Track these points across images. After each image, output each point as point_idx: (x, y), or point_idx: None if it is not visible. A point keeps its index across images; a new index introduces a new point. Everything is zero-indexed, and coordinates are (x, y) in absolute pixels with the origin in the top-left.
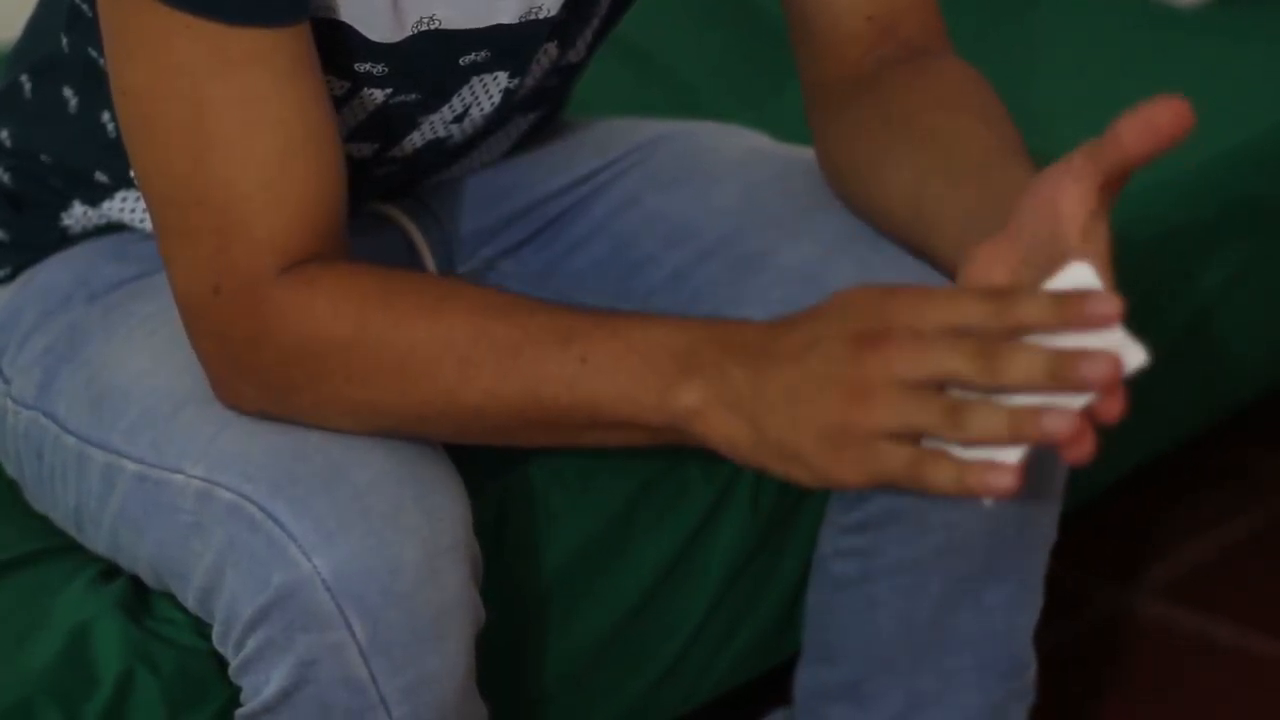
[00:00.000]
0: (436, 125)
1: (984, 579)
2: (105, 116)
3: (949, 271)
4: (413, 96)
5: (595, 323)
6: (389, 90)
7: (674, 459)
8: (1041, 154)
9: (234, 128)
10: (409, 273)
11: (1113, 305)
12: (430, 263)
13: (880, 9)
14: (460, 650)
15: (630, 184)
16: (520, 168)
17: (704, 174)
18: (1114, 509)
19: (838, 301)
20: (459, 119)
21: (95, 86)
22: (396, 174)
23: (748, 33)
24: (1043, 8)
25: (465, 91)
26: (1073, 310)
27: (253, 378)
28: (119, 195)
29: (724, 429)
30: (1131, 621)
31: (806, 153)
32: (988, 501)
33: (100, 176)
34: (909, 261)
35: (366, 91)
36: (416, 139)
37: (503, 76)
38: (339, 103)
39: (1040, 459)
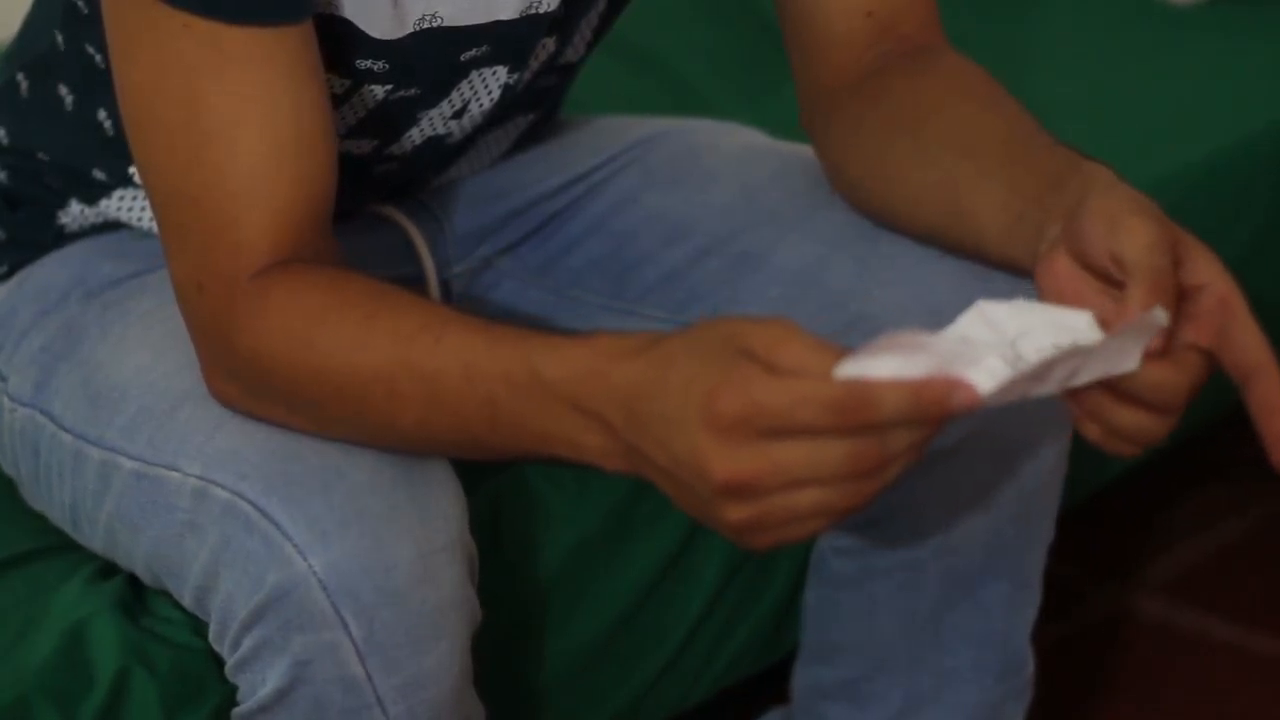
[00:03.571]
0: (436, 121)
1: (982, 577)
2: (102, 115)
3: (998, 264)
4: (412, 92)
5: (491, 358)
6: (389, 86)
7: None
8: None
9: (227, 128)
10: (352, 283)
11: (970, 395)
12: (428, 261)
13: (879, 5)
14: (456, 649)
15: (627, 182)
16: (518, 167)
17: (701, 172)
18: (1112, 507)
19: (688, 375)
20: (458, 115)
21: (92, 85)
22: (395, 172)
23: (746, 30)
24: (1041, 6)
25: (464, 86)
26: (932, 402)
27: (235, 380)
28: (116, 194)
29: (646, 479)
30: (1129, 620)
31: (804, 150)
32: None
33: (98, 174)
34: (907, 260)
35: (367, 88)
36: (415, 136)
37: (502, 71)
38: (339, 100)
39: (1040, 457)
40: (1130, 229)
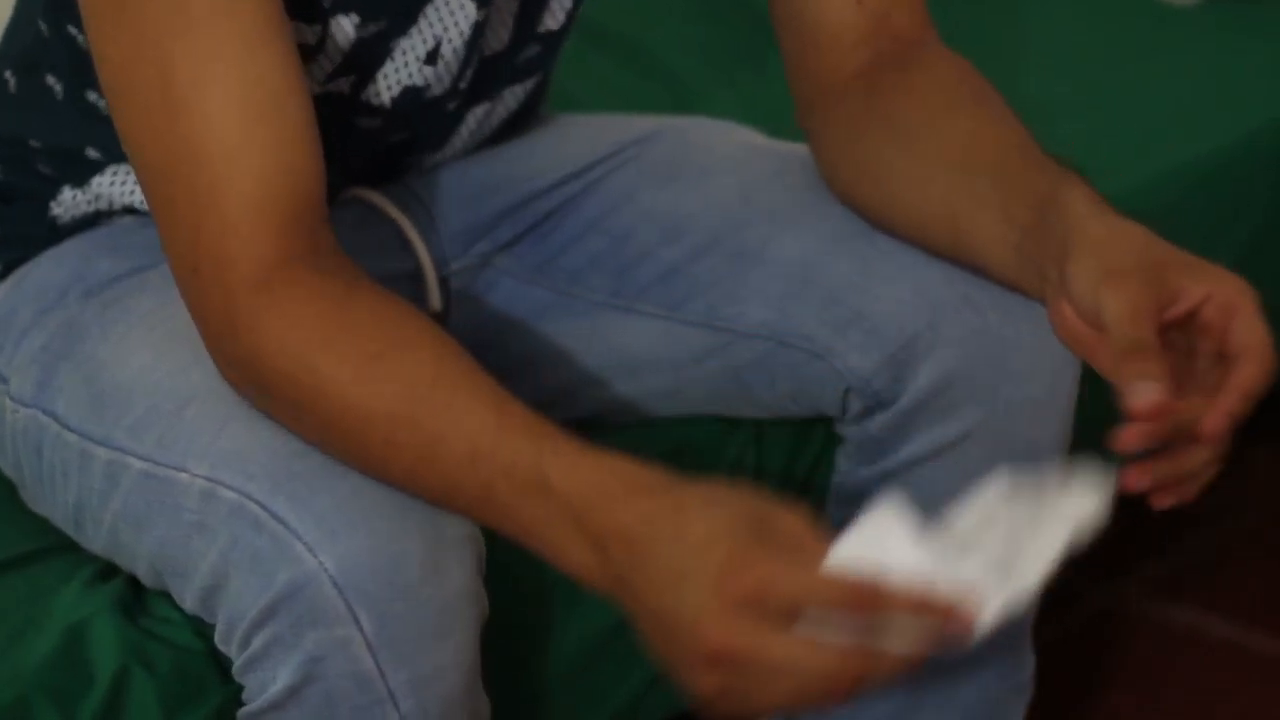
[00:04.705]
0: (410, 62)
1: None
2: (93, 96)
3: (998, 280)
4: (382, 24)
5: (498, 443)
6: (357, 20)
7: (673, 455)
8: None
9: (197, 90)
10: (360, 305)
11: (969, 624)
12: (426, 259)
13: None
14: (466, 642)
15: (624, 180)
16: (511, 163)
17: (698, 169)
18: (1111, 504)
19: (710, 535)
20: (431, 59)
21: (79, 68)
22: (380, 132)
23: (742, 27)
24: (1040, 5)
25: (431, 14)
26: (934, 616)
27: (234, 370)
28: (109, 170)
29: (620, 607)
30: (1126, 617)
31: (801, 149)
32: None
33: (91, 153)
34: (905, 256)
35: (338, 26)
36: (392, 78)
37: (470, 6)
38: (314, 50)
39: (1041, 456)
40: (1107, 303)
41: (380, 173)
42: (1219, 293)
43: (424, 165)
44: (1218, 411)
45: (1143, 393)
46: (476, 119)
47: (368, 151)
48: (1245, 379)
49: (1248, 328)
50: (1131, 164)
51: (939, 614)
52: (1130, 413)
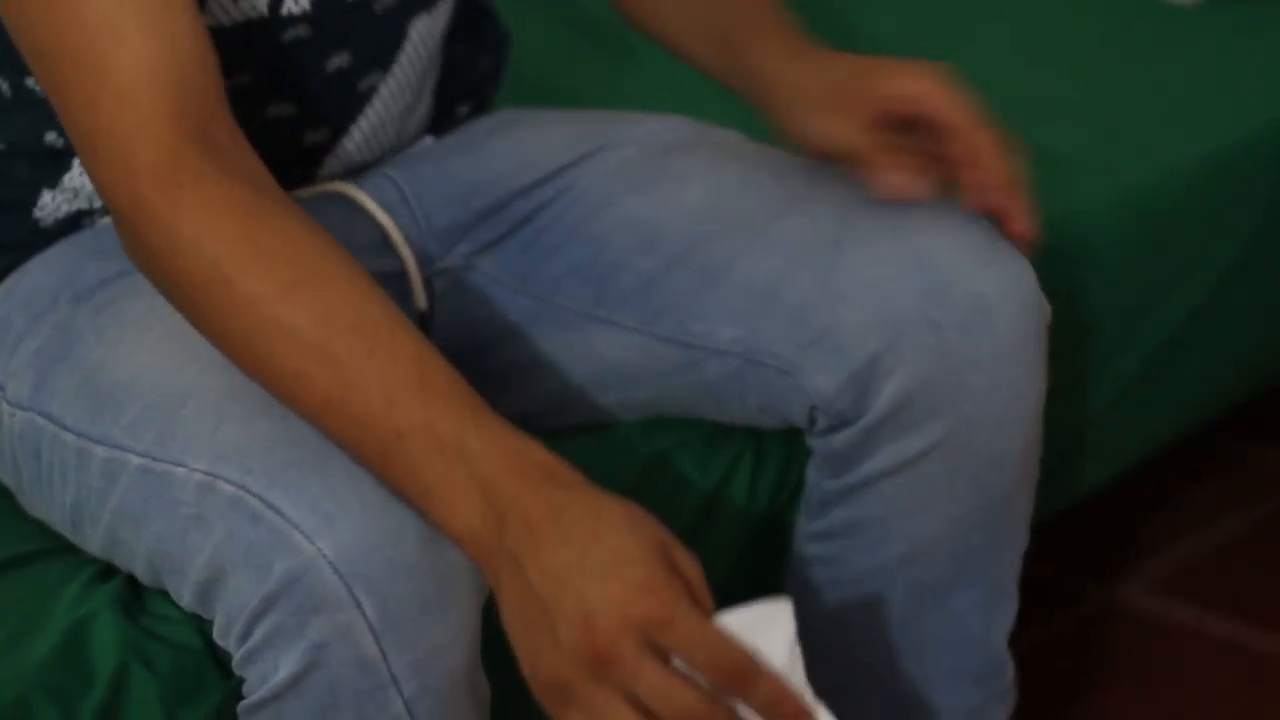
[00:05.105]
0: None
1: (952, 585)
2: (30, 82)
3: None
4: None
5: (421, 400)
6: None
7: (672, 453)
8: (1041, 150)
9: None
10: (272, 220)
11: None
12: (409, 257)
13: None
14: (467, 618)
15: (601, 185)
16: (494, 161)
17: (673, 175)
18: (1109, 503)
19: (624, 553)
20: None
21: (11, 54)
22: (317, 48)
23: None
24: (1041, 4)
25: None
26: (788, 714)
27: (140, 259)
28: (76, 164)
29: (492, 579)
30: (1126, 616)
31: (774, 152)
32: None
33: (51, 138)
34: (865, 275)
35: None
36: None
37: None
38: None
39: (1003, 468)
40: (829, 140)
41: (341, 109)
42: (901, 87)
43: (386, 101)
44: (983, 190)
45: (891, 185)
46: (419, 34)
47: (316, 81)
48: (964, 148)
49: (937, 105)
50: (1131, 164)
51: (793, 714)
52: (890, 197)
